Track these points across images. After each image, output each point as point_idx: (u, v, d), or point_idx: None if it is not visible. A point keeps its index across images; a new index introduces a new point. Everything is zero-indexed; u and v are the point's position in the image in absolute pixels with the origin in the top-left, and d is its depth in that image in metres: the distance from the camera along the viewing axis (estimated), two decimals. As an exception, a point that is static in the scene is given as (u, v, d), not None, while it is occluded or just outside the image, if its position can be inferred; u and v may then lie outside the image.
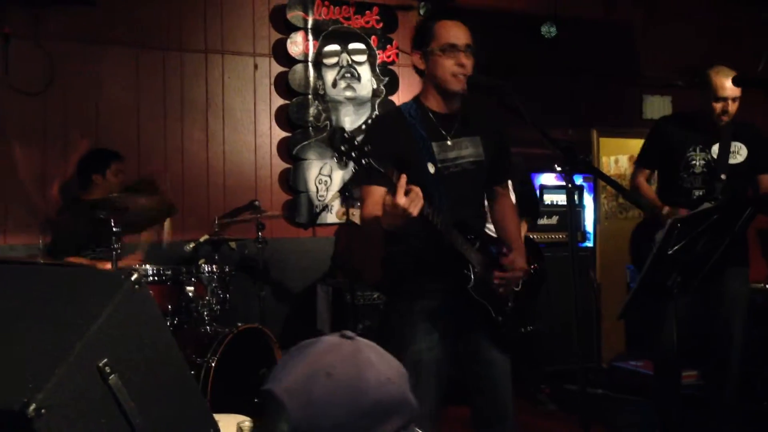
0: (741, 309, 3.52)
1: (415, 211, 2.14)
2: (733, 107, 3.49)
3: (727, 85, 3.43)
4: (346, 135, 2.10)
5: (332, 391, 0.97)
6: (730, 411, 3.55)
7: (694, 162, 3.54)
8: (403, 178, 2.14)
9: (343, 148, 2.09)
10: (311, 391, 0.97)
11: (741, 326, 3.51)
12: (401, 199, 2.12)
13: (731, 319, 3.50)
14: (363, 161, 2.11)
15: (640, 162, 3.77)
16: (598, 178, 5.22)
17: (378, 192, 2.45)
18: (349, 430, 0.97)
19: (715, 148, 3.54)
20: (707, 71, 3.52)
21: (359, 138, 2.14)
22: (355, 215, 4.51)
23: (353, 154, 2.10)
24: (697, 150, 3.54)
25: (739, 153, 3.57)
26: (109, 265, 3.51)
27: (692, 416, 3.80)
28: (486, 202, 2.76)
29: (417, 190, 2.14)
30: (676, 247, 2.50)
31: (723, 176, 3.49)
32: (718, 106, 3.46)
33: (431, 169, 2.45)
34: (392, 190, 2.15)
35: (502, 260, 2.53)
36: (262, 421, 1.01)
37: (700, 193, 3.53)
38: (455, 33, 2.47)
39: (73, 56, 4.55)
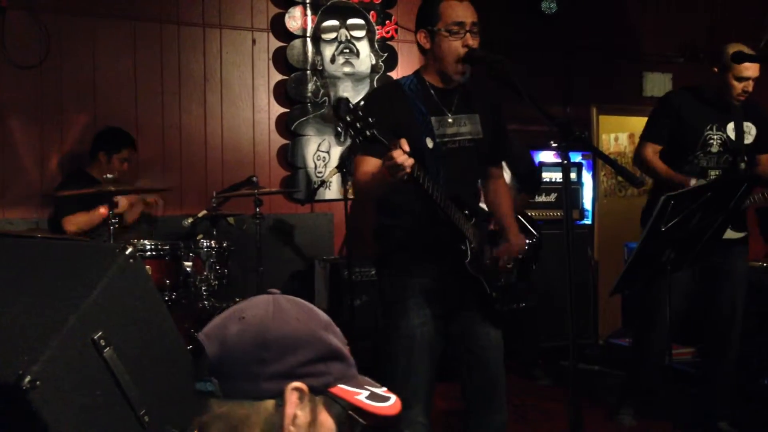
0: (744, 288, 3.54)
1: (407, 164, 2.09)
2: (751, 87, 3.40)
3: (749, 65, 3.32)
4: (351, 105, 2.07)
5: (242, 331, 1.10)
6: (726, 387, 3.58)
7: (711, 141, 3.44)
8: (404, 141, 2.10)
9: (348, 118, 2.06)
10: (225, 333, 1.11)
11: (742, 305, 3.54)
12: (399, 154, 2.08)
13: (736, 296, 3.51)
14: (367, 132, 2.07)
15: (650, 137, 3.56)
16: (594, 154, 5.21)
17: (372, 162, 2.44)
18: (253, 362, 1.08)
19: (730, 127, 3.46)
20: (725, 48, 3.37)
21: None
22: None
23: (358, 125, 2.07)
24: (714, 129, 3.45)
25: (750, 133, 3.51)
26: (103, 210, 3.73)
27: (687, 393, 3.83)
28: (480, 182, 2.75)
29: (411, 160, 2.11)
30: (670, 224, 2.50)
31: (746, 158, 3.42)
32: (740, 86, 3.37)
33: (429, 143, 2.44)
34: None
35: (503, 247, 2.53)
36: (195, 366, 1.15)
37: (717, 173, 3.47)
38: (462, 12, 2.43)
39: (69, 29, 4.51)
